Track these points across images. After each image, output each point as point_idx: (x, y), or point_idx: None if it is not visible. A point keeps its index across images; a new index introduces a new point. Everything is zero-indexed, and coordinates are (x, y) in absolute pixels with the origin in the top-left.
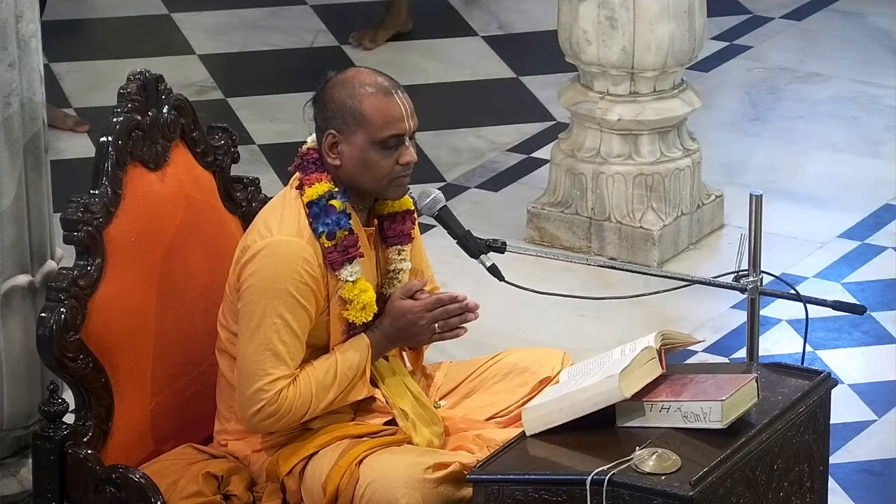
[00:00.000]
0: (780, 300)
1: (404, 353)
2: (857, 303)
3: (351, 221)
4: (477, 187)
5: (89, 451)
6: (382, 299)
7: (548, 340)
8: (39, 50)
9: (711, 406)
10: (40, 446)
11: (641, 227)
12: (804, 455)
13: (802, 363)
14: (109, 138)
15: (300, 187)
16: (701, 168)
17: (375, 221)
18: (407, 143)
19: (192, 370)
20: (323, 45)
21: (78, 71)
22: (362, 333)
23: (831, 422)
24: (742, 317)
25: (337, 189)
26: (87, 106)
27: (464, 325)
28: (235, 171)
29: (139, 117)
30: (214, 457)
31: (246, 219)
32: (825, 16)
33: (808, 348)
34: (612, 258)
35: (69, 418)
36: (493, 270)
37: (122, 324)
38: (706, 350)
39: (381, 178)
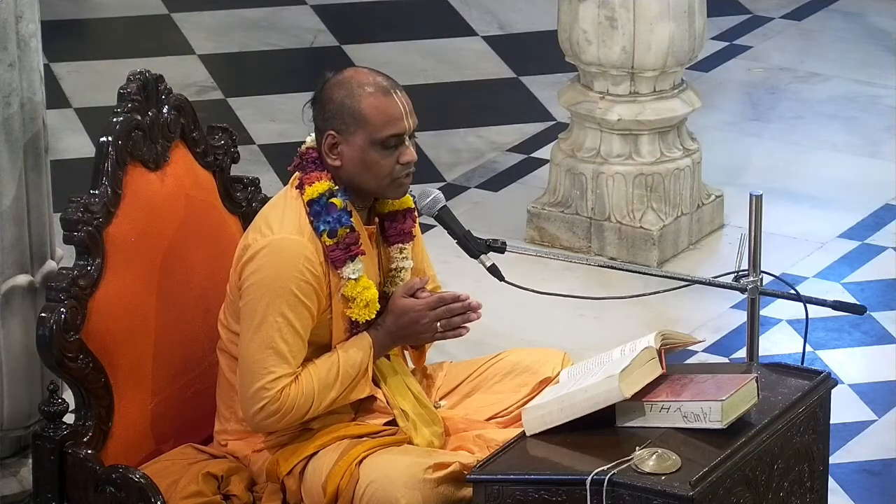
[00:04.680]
0: (780, 300)
1: (406, 352)
2: (857, 303)
3: (352, 219)
4: (477, 187)
5: (89, 451)
6: (384, 298)
7: (548, 340)
8: (39, 50)
9: (711, 406)
10: (40, 446)
11: (641, 227)
12: (804, 455)
13: (802, 363)
14: (109, 138)
15: (300, 186)
16: (701, 168)
17: (376, 220)
18: (407, 143)
19: (192, 370)
20: (323, 45)
21: (78, 71)
22: (364, 332)
23: (831, 422)
24: (742, 317)
25: (337, 187)
26: (87, 106)
27: (466, 324)
28: (235, 171)
29: (139, 117)
30: (214, 457)
31: (246, 219)
32: (825, 16)
33: (808, 348)
34: (612, 258)
35: (69, 418)
36: (493, 270)
37: (122, 324)
38: (706, 350)
39: (381, 177)
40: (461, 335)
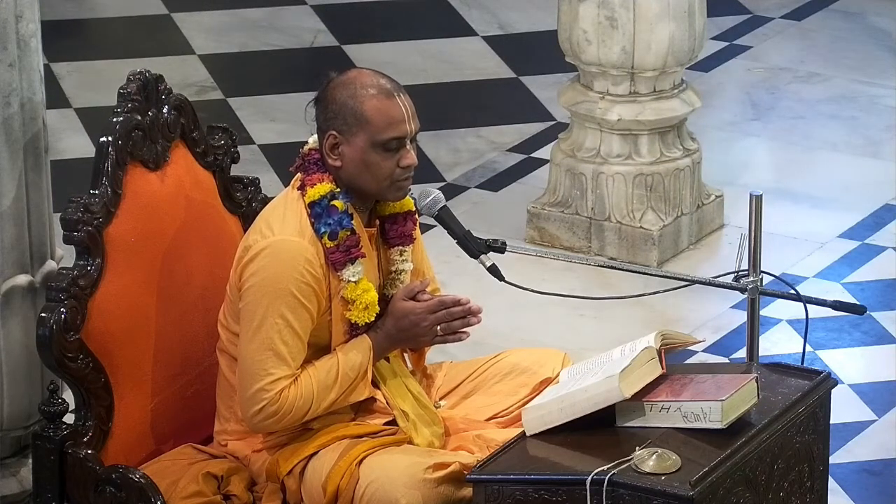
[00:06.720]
0: (780, 300)
1: (405, 354)
2: (857, 303)
3: (353, 222)
4: (477, 187)
5: (89, 451)
6: (384, 300)
7: (548, 340)
8: (39, 50)
9: (711, 406)
10: (40, 446)
11: (641, 227)
12: (804, 455)
13: (802, 363)
14: (109, 138)
15: (302, 188)
16: (701, 168)
17: (377, 222)
18: (408, 146)
19: (192, 370)
20: (323, 45)
21: (78, 71)
22: (364, 334)
23: (831, 422)
24: (742, 317)
25: (339, 189)
26: (87, 106)
27: (466, 328)
28: (235, 171)
29: (139, 117)
30: (214, 457)
31: (246, 219)
32: (825, 16)
33: (808, 348)
34: (612, 258)
35: (69, 418)
36: (493, 270)
37: (122, 324)
38: (706, 350)
39: (381, 179)
40: (461, 339)
